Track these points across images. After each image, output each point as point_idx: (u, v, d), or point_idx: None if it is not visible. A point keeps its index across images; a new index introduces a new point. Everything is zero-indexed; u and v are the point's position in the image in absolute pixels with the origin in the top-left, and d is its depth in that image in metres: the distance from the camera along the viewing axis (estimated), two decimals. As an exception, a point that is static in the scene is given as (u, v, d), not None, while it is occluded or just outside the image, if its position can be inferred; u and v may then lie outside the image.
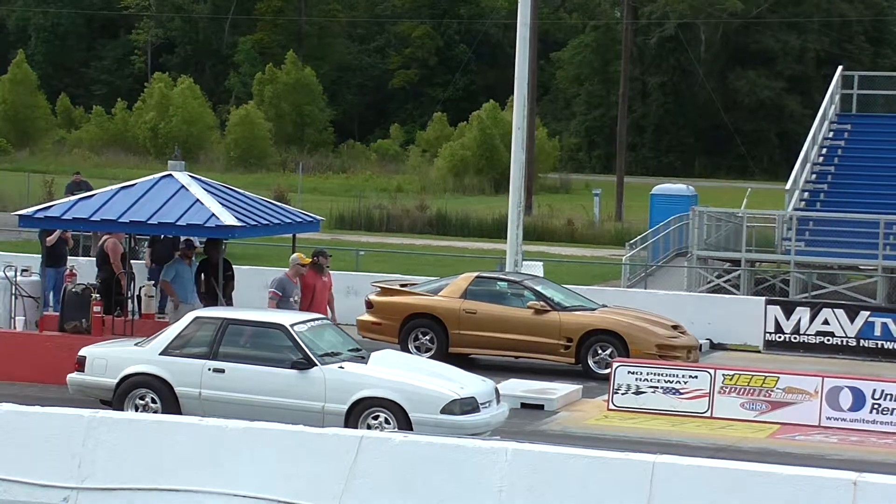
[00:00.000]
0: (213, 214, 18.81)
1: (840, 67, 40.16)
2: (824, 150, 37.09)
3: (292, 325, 16.40)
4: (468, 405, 15.84)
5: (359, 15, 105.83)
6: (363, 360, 16.48)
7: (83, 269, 23.86)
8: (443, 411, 15.65)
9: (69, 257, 24.46)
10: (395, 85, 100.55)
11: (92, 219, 19.19)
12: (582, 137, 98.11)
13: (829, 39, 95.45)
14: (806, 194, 35.38)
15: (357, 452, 12.18)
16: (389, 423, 15.64)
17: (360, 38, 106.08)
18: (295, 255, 19.93)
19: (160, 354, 16.57)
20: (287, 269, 20.13)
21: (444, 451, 12.09)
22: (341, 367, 16.11)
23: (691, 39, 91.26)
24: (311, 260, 20.68)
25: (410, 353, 21.42)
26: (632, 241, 34.00)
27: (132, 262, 22.59)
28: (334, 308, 20.67)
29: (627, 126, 65.81)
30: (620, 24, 72.93)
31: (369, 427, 15.63)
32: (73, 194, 22.93)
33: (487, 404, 16.22)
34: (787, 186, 34.76)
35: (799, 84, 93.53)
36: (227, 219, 18.76)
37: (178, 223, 18.88)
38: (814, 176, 36.13)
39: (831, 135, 37.70)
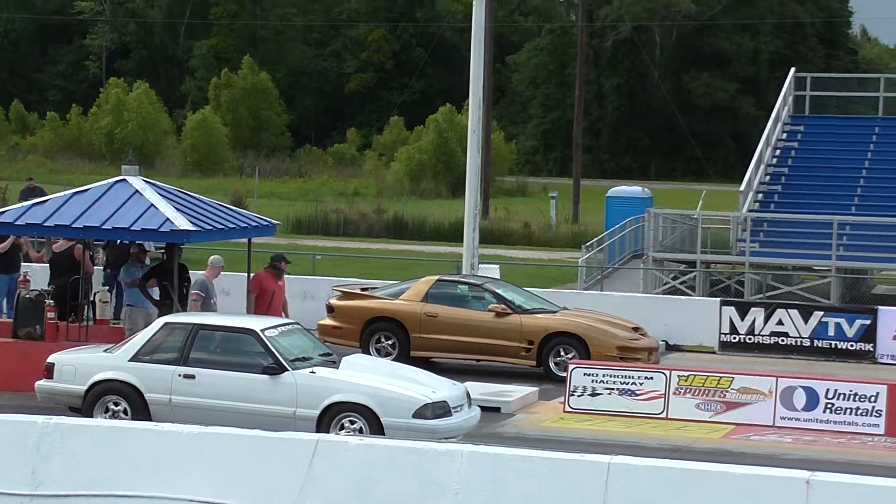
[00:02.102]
0: (168, 219, 18.72)
1: (793, 69, 40.41)
2: (778, 152, 37.29)
3: (263, 330, 16.37)
4: (440, 409, 15.87)
5: (315, 19, 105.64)
6: (334, 364, 16.46)
7: (37, 274, 23.71)
8: (415, 415, 15.67)
9: (22, 263, 24.29)
10: (352, 89, 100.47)
11: (45, 224, 19.03)
12: (538, 140, 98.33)
13: (783, 41, 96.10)
14: (760, 196, 35.56)
15: (313, 456, 12.16)
16: (362, 429, 15.63)
17: (316, 42, 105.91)
18: (216, 256, 19.83)
19: (129, 361, 16.50)
20: (205, 271, 20.03)
21: (400, 454, 12.09)
22: (312, 372, 16.09)
23: (646, 42, 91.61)
24: (270, 264, 20.65)
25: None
26: (588, 244, 34.07)
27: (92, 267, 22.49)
28: (289, 312, 20.64)
29: (583, 129, 65.99)
30: (576, 27, 73.13)
31: (343, 428, 15.63)
32: (28, 200, 22.78)
33: (459, 408, 16.24)
34: (742, 188, 34.94)
35: (753, 86, 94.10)
36: (182, 223, 18.68)
37: (132, 228, 18.76)
38: (768, 177, 36.32)
39: (785, 136, 37.91)
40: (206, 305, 19.10)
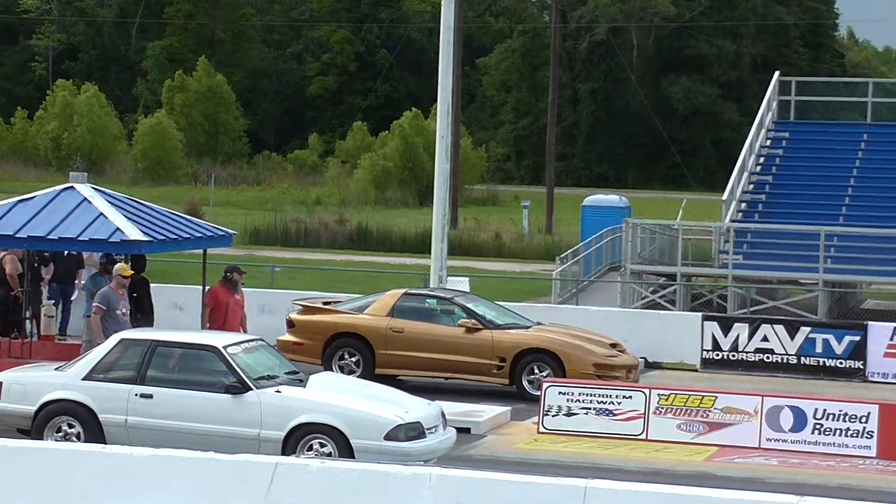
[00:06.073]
0: (118, 229, 18.60)
1: (777, 73, 40.53)
2: (762, 159, 37.37)
3: (225, 347, 16.27)
4: (413, 430, 15.78)
5: (274, 19, 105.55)
6: (301, 383, 16.37)
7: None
8: (387, 437, 15.58)
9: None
10: (313, 93, 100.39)
11: (-13, 234, 18.87)
12: (510, 147, 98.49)
13: (766, 44, 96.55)
14: (743, 205, 35.61)
15: (272, 480, 12.05)
16: (331, 452, 15.51)
17: (276, 44, 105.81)
18: (118, 264, 19.66)
19: (83, 379, 16.34)
20: (111, 283, 19.78)
21: (364, 478, 11.99)
22: (278, 392, 15.99)
23: (623, 45, 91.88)
24: (223, 276, 20.54)
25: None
26: (562, 255, 34.08)
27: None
28: (247, 328, 20.50)
29: (557, 135, 66.09)
30: (549, 29, 73.27)
31: (311, 450, 15.53)
32: (-32, 208, 22.58)
33: (433, 429, 16.16)
34: (724, 197, 34.98)
35: (735, 90, 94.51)
36: (133, 233, 18.55)
37: (79, 238, 18.64)
38: (751, 186, 36.38)
39: (769, 143, 37.99)
40: (111, 318, 18.74)
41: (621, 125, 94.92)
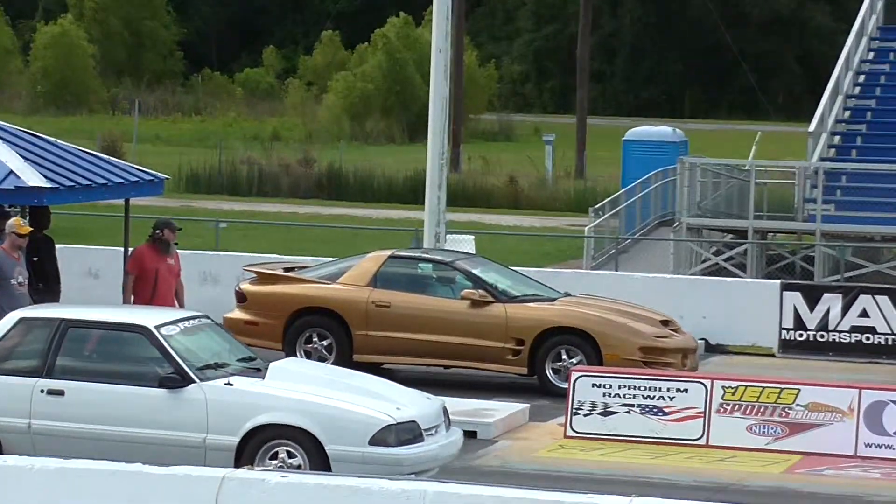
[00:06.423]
0: (12, 172, 18.69)
1: (883, -38, 40.53)
2: (861, 78, 37.40)
3: (158, 327, 16.29)
4: (407, 432, 15.81)
5: None
6: (259, 373, 16.42)
7: None
8: (372, 442, 15.62)
9: None
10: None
11: None
12: (529, 64, 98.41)
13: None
14: (836, 139, 35.66)
15: (216, 499, 12.17)
16: (301, 464, 15.58)
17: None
18: (11, 220, 19.66)
19: None
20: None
21: (338, 495, 12.08)
22: (229, 384, 16.03)
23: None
24: (151, 234, 20.62)
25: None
26: (598, 206, 34.17)
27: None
28: (183, 300, 20.63)
29: (592, 48, 66.01)
30: None
31: (276, 459, 15.62)
32: None
33: (433, 430, 16.20)
34: (811, 128, 35.04)
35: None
36: (32, 178, 18.63)
37: (-40, 186, 18.77)
38: (847, 113, 36.42)
39: (871, 56, 38.02)
40: (4, 292, 18.69)
41: (677, 36, 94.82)
